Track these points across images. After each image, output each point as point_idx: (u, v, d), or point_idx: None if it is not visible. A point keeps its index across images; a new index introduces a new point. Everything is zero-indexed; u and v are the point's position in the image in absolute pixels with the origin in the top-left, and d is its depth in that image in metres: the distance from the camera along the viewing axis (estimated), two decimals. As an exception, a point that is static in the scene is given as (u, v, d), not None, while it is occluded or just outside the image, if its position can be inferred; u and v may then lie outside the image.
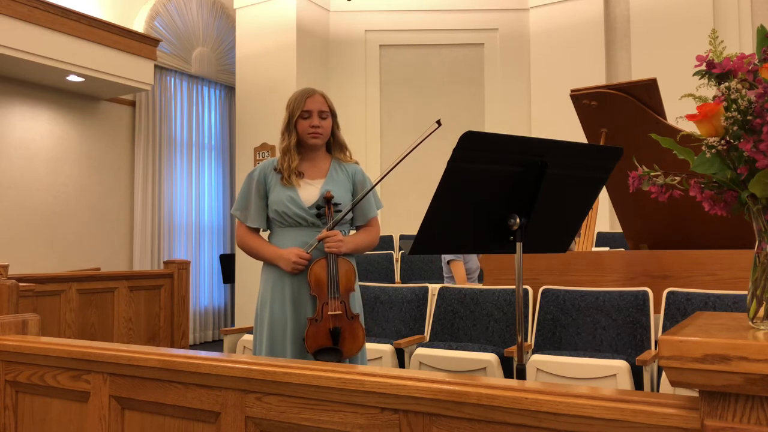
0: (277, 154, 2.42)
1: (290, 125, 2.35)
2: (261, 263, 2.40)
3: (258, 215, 2.37)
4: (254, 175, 2.38)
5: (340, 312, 2.20)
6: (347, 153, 2.45)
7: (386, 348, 3.08)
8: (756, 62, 1.01)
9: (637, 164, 1.17)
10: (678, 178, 1.11)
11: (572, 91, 3.58)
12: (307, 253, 2.24)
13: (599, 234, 5.99)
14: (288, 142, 2.34)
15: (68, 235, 6.47)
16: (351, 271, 2.29)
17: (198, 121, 7.90)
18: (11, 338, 1.78)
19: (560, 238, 2.04)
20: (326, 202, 2.28)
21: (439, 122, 2.10)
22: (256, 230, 2.41)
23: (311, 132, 2.32)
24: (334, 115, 2.39)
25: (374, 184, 2.32)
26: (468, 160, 1.69)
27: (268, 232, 2.43)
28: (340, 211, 2.31)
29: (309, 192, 2.32)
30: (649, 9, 6.77)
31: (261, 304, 2.36)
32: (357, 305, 2.34)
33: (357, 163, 2.47)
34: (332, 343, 2.18)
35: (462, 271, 4.24)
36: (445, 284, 3.72)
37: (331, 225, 2.26)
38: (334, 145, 2.43)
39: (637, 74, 6.52)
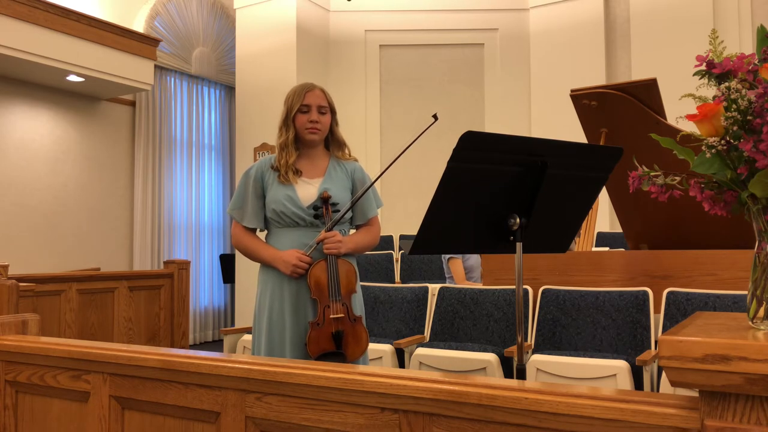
0: (275, 150, 2.37)
1: (288, 120, 2.29)
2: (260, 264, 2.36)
3: (255, 215, 2.30)
4: (251, 173, 2.31)
5: (342, 315, 2.15)
6: (346, 150, 2.39)
7: (386, 348, 3.08)
8: (756, 62, 1.01)
9: (637, 164, 1.17)
10: (678, 178, 1.11)
11: (572, 91, 3.58)
12: (307, 255, 2.18)
13: (599, 234, 5.99)
14: (286, 138, 2.28)
15: (68, 235, 6.48)
16: (352, 272, 2.23)
17: (198, 121, 7.90)
18: (11, 338, 1.78)
19: (560, 238, 2.04)
20: (324, 202, 2.22)
21: (435, 116, 2.07)
22: (253, 230, 2.35)
23: (309, 127, 2.26)
24: (333, 111, 2.33)
25: (373, 181, 2.28)
26: (468, 160, 1.69)
27: (265, 232, 2.38)
28: (339, 211, 2.25)
29: (307, 191, 2.26)
30: (649, 9, 6.77)
31: (259, 308, 2.29)
32: (359, 307, 2.28)
33: (356, 160, 2.42)
34: (335, 347, 2.13)
35: (460, 269, 4.24)
36: (446, 284, 3.72)
37: (329, 226, 2.20)
38: (333, 143, 2.38)
39: (637, 74, 6.52)
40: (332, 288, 2.16)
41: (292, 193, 2.24)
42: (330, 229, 2.20)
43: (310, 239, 2.23)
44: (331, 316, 2.14)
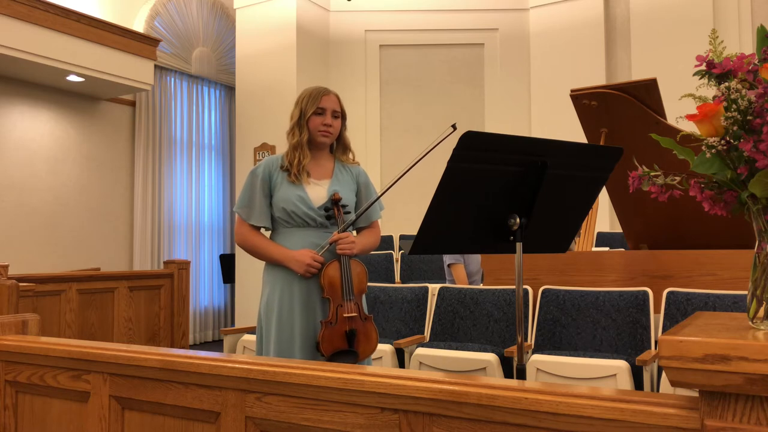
0: (279, 151, 2.39)
1: (302, 121, 2.32)
2: (262, 263, 2.36)
3: (262, 213, 2.31)
4: (258, 172, 2.32)
5: (355, 314, 2.19)
6: (350, 155, 2.44)
7: (386, 348, 3.08)
8: (756, 62, 1.01)
9: (637, 164, 1.17)
10: (678, 178, 1.11)
11: (572, 91, 3.58)
12: (320, 255, 2.21)
13: (599, 234, 5.99)
14: (299, 138, 2.30)
15: (68, 235, 6.47)
16: (363, 272, 2.28)
17: (198, 121, 7.90)
18: (11, 338, 1.78)
19: (560, 238, 2.04)
20: (334, 203, 2.26)
21: (454, 126, 2.08)
22: (258, 229, 2.36)
23: (322, 130, 2.31)
24: (344, 116, 2.39)
25: (387, 187, 2.28)
26: (468, 160, 1.69)
27: (269, 231, 2.40)
28: (349, 212, 2.30)
29: (317, 192, 2.29)
30: (649, 9, 6.77)
31: (266, 308, 2.29)
32: (366, 307, 2.32)
33: (358, 164, 2.47)
34: (348, 346, 2.16)
35: (462, 274, 4.23)
36: (446, 284, 3.71)
37: (343, 227, 2.24)
38: (339, 147, 2.42)
39: (637, 74, 6.52)
40: (345, 288, 2.20)
41: (303, 193, 2.27)
42: (343, 231, 2.24)
43: (319, 239, 2.25)
44: (345, 315, 2.18)
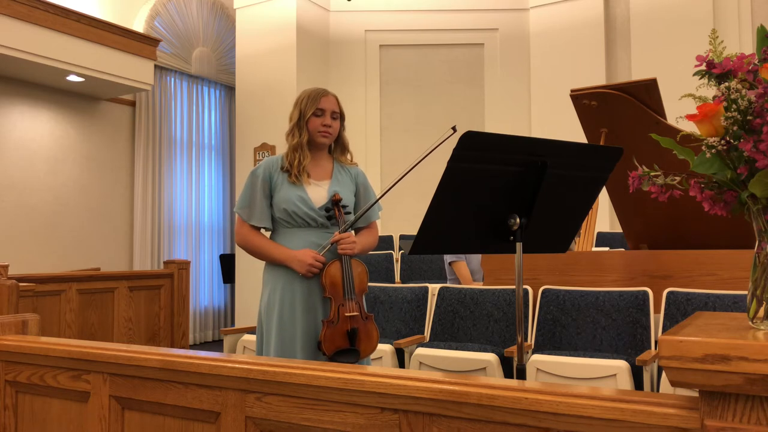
0: (279, 151, 2.41)
1: (301, 122, 2.33)
2: (262, 263, 2.37)
3: (262, 214, 2.32)
4: (258, 172, 2.34)
5: (356, 313, 2.21)
6: (349, 156, 2.46)
7: (386, 348, 3.08)
8: (756, 62, 1.01)
9: (637, 164, 1.17)
10: (678, 178, 1.11)
11: (572, 91, 3.58)
12: (321, 255, 2.23)
13: (599, 234, 5.98)
14: (300, 139, 2.32)
15: (68, 235, 6.47)
16: (364, 272, 2.30)
17: (198, 121, 7.90)
18: (11, 338, 1.78)
19: (560, 238, 2.04)
20: (335, 204, 2.28)
21: (454, 128, 2.08)
22: (258, 230, 2.38)
23: (322, 131, 2.33)
24: (343, 117, 2.41)
25: (386, 190, 2.30)
26: (468, 160, 1.69)
27: (269, 232, 2.41)
28: (349, 213, 2.32)
29: (317, 192, 2.31)
30: (649, 9, 6.77)
31: (267, 308, 2.30)
32: (365, 306, 2.34)
33: (357, 165, 2.49)
34: (349, 345, 2.19)
35: (466, 271, 4.23)
36: (446, 284, 3.71)
37: (344, 227, 2.26)
38: (338, 147, 2.44)
39: (637, 74, 6.52)
40: (347, 287, 2.23)
41: (304, 194, 2.29)
42: (344, 231, 2.26)
43: (320, 240, 2.27)
44: (346, 314, 2.20)
